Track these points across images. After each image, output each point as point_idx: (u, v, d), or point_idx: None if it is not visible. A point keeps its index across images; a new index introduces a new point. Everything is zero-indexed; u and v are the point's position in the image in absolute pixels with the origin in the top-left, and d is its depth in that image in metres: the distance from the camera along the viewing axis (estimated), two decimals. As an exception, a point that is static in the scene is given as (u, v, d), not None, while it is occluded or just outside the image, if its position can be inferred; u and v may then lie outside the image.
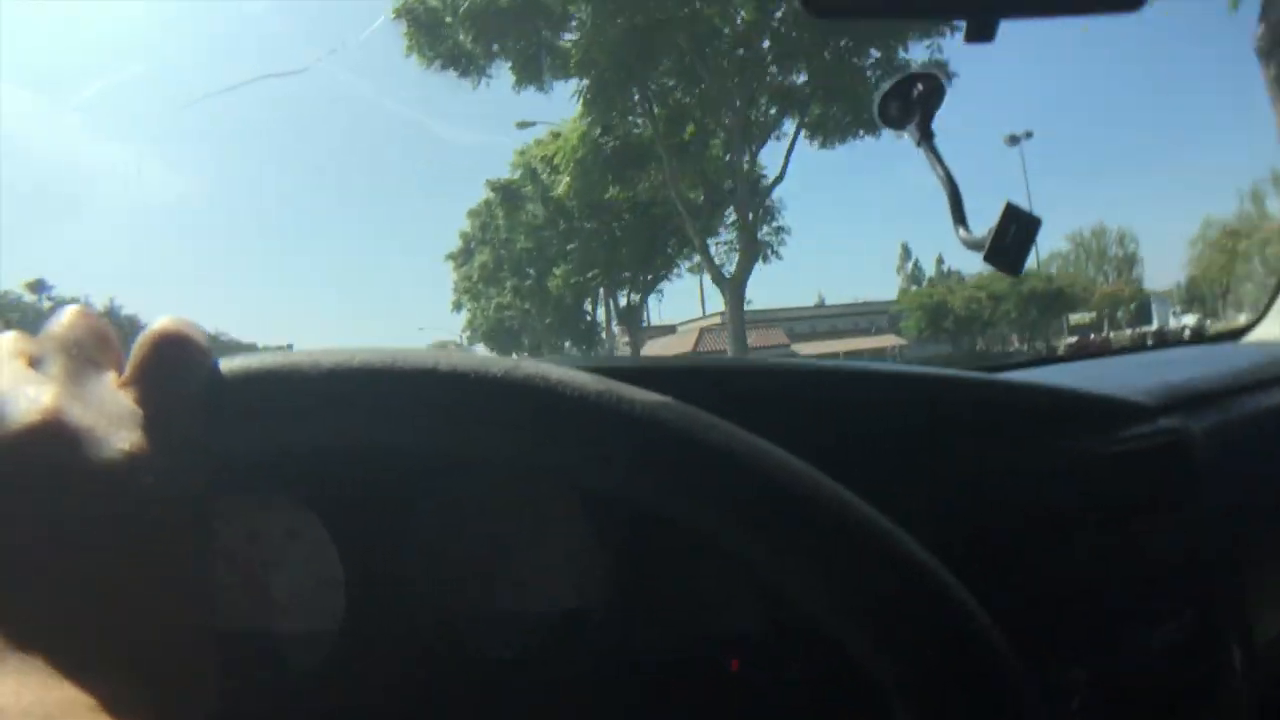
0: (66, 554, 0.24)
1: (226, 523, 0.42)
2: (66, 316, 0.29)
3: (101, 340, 0.29)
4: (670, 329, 35.56)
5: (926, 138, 0.62)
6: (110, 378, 0.28)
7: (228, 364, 0.29)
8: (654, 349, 31.97)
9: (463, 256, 30.75)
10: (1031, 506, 0.55)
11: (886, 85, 0.63)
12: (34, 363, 0.27)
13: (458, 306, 33.40)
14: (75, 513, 0.24)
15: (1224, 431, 0.72)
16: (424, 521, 0.45)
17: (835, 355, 31.04)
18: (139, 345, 0.28)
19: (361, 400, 0.30)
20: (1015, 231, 0.51)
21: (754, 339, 27.77)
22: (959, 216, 0.59)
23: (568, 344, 29.09)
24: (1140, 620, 0.58)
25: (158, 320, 0.29)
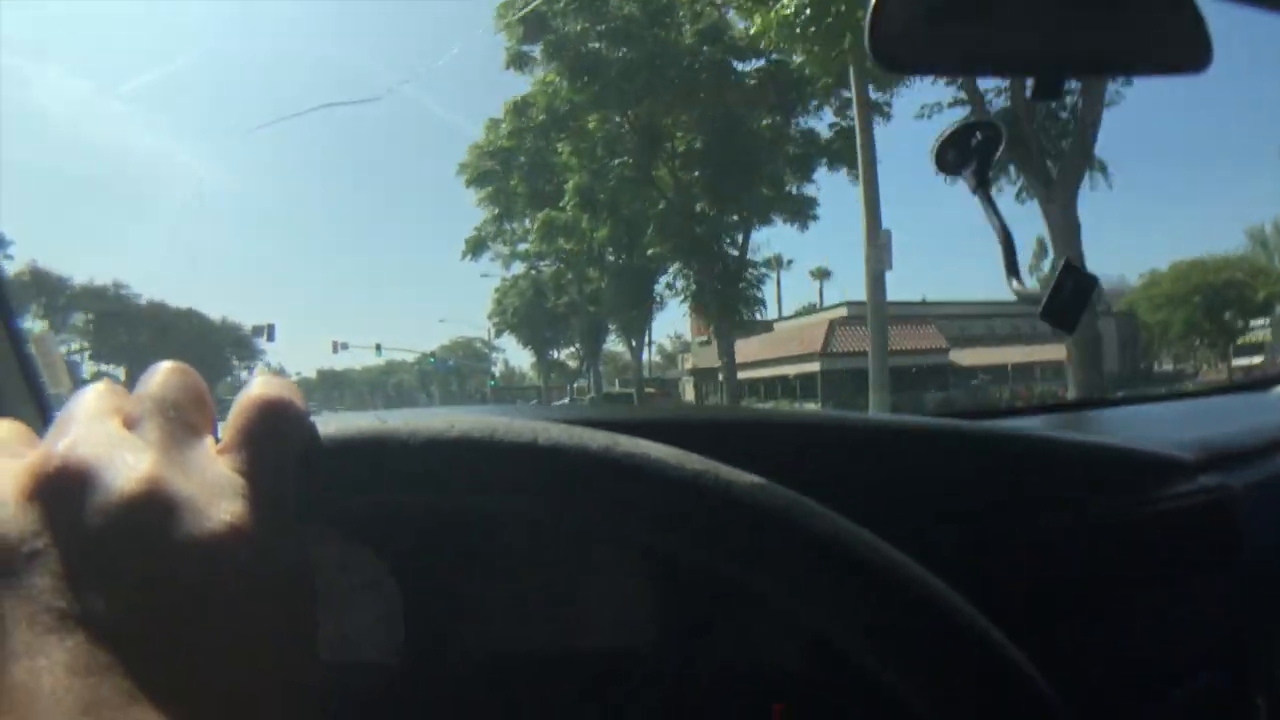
0: (165, 628, 0.23)
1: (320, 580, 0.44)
2: (161, 374, 0.28)
3: (198, 401, 0.28)
4: (764, 325, 28.87)
5: (982, 186, 0.63)
6: (209, 443, 0.27)
7: (326, 430, 0.29)
8: (750, 349, 27.21)
9: (483, 178, 23.41)
10: (1072, 564, 0.55)
11: (946, 132, 0.64)
12: (130, 423, 0.26)
13: (474, 250, 26.83)
14: (175, 586, 0.23)
15: (1264, 488, 0.72)
16: (479, 560, 0.46)
17: (1002, 368, 26.47)
18: (239, 409, 0.28)
19: (459, 473, 0.30)
20: (1071, 289, 0.51)
21: (901, 337, 23.06)
22: (1012, 268, 0.59)
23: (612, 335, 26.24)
24: (1173, 674, 0.58)
25: (256, 383, 0.28)
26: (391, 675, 0.44)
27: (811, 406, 21.90)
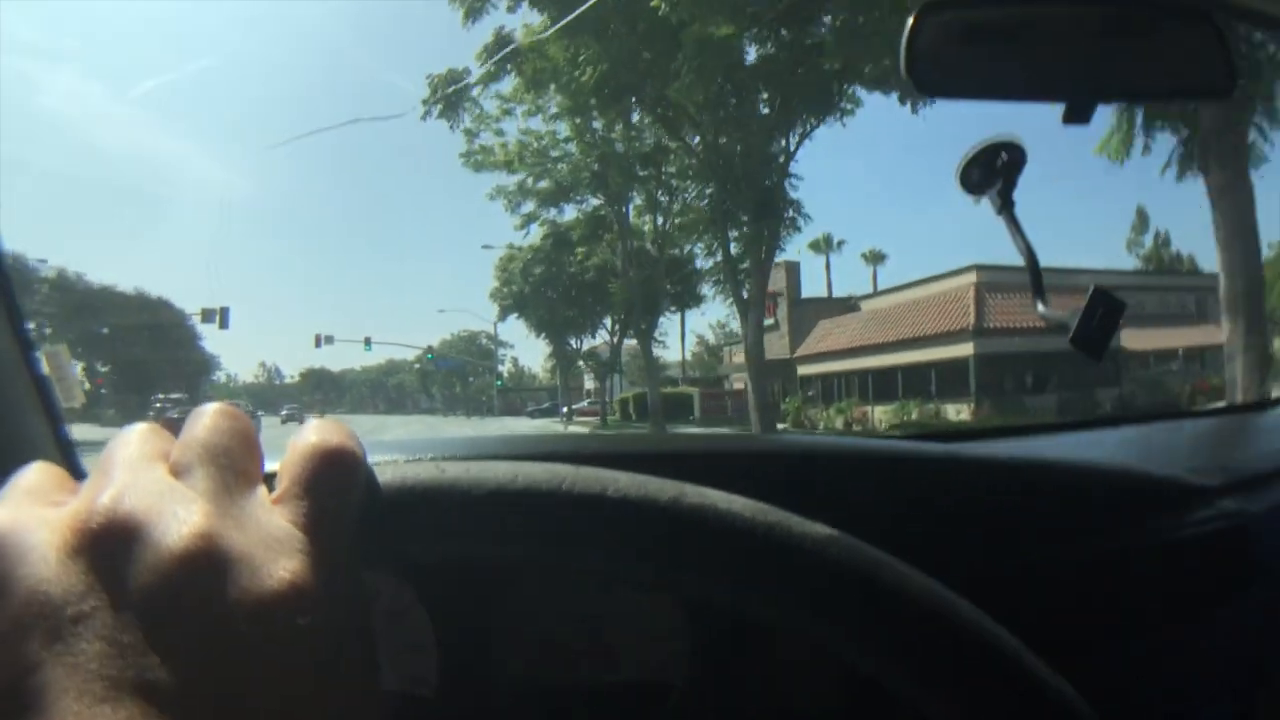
0: (224, 692, 0.21)
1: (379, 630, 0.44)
2: (210, 417, 0.26)
3: (248, 446, 0.26)
4: (848, 303, 24.87)
5: (1007, 206, 0.63)
6: (262, 493, 0.25)
7: (385, 479, 0.28)
8: (839, 334, 22.14)
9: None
10: (1092, 593, 0.55)
11: (970, 152, 0.64)
12: (177, 471, 0.25)
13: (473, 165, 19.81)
14: (233, 648, 0.22)
15: None
16: (515, 589, 0.46)
17: (1174, 354, 19.63)
18: (295, 458, 0.26)
19: (524, 526, 0.29)
20: (1101, 315, 0.51)
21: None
22: (1039, 291, 0.59)
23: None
24: (1191, 702, 0.58)
25: (311, 429, 0.27)
26: (425, 707, 0.44)
27: (959, 408, 17.66)
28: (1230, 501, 0.64)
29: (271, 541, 0.23)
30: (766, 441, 0.62)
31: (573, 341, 27.97)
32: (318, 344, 32.70)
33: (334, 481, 0.26)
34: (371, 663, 0.25)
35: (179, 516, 0.22)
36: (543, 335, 27.69)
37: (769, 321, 22.19)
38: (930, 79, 0.52)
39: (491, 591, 0.46)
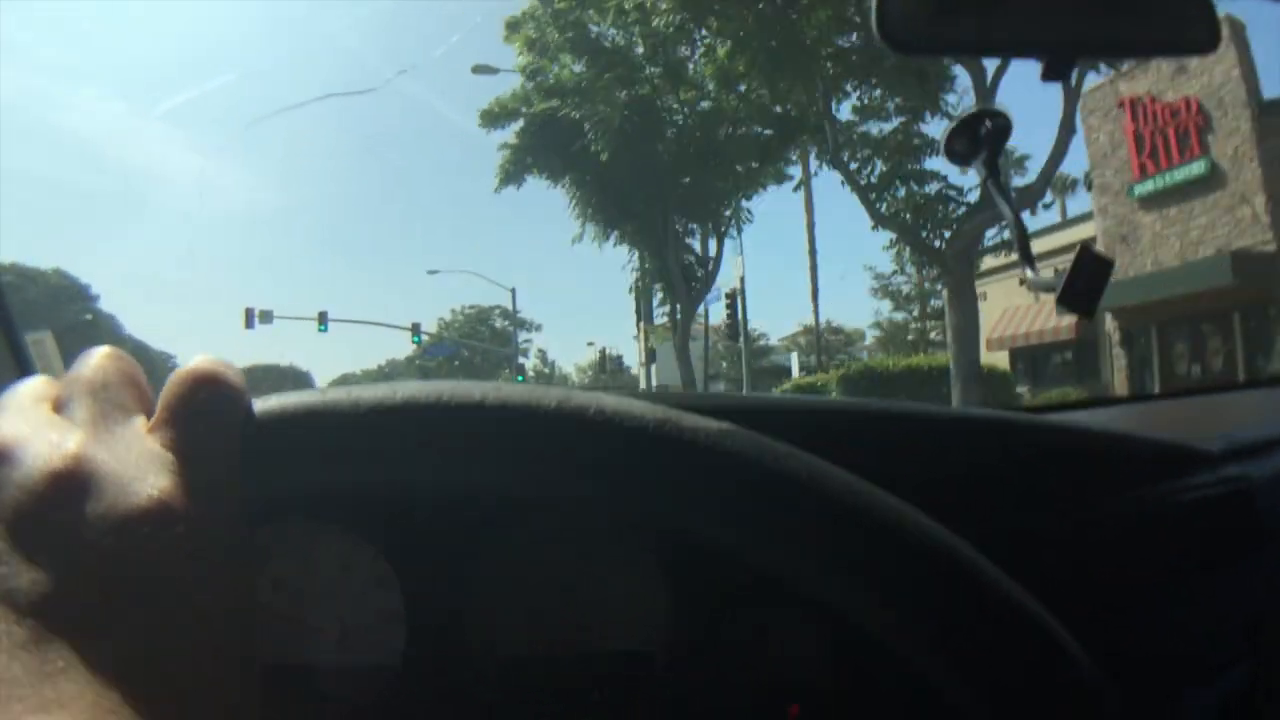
0: (87, 605, 0.22)
1: (276, 556, 0.42)
2: (95, 358, 0.28)
3: (130, 382, 0.28)
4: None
5: (993, 175, 0.62)
6: (139, 421, 0.26)
7: (263, 404, 0.28)
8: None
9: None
10: (1095, 555, 0.54)
11: (954, 121, 0.63)
12: (60, 407, 0.26)
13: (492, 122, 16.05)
14: (98, 562, 0.23)
15: None
16: (489, 557, 0.45)
17: None
18: (169, 386, 0.27)
19: (406, 440, 0.28)
20: (1088, 274, 0.50)
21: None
22: (1026, 257, 0.58)
23: None
24: (1193, 669, 0.57)
25: (192, 361, 0.28)
26: (393, 677, 0.43)
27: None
28: (1234, 467, 0.64)
29: (141, 463, 0.25)
30: (805, 401, 0.61)
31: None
32: (249, 322, 22.60)
33: (205, 405, 0.27)
34: (248, 592, 0.26)
35: (52, 441, 0.24)
36: (590, 218, 16.87)
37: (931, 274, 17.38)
38: (904, 37, 0.51)
39: (466, 559, 0.45)
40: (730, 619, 0.46)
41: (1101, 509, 0.55)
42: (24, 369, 0.57)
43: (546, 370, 43.24)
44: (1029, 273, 0.58)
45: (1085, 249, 0.51)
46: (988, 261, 19.56)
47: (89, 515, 0.23)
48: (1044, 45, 0.51)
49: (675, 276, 18.04)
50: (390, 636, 0.43)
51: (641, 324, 20.15)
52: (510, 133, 17.28)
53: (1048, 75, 0.51)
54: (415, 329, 26.28)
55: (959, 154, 0.65)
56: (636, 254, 18.93)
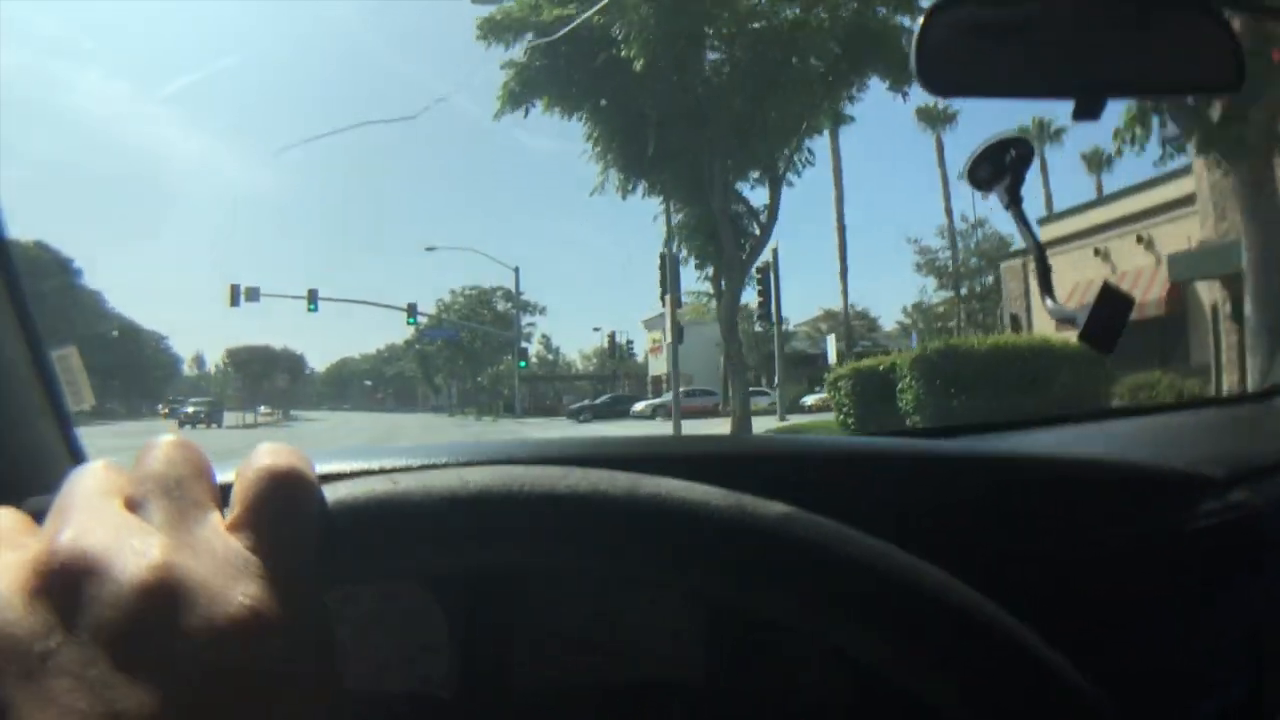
0: (191, 717, 0.22)
1: (350, 620, 0.43)
2: (163, 449, 0.27)
3: (201, 475, 0.27)
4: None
5: (1015, 203, 0.64)
6: (215, 519, 0.26)
7: (335, 495, 0.28)
8: None
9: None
10: (1099, 580, 0.55)
11: (979, 149, 0.64)
12: (133, 505, 0.25)
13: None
14: (196, 676, 0.22)
15: None
16: (529, 591, 0.47)
17: None
18: (247, 483, 0.26)
19: (482, 529, 0.29)
20: (1110, 311, 0.52)
21: None
22: (1046, 287, 0.60)
23: None
24: (1199, 688, 0.58)
25: (263, 452, 0.27)
26: (441, 707, 0.45)
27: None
28: (1239, 492, 0.65)
29: (229, 568, 0.24)
30: (760, 442, 0.63)
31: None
32: (234, 299, 22.86)
33: (287, 504, 0.26)
34: (334, 680, 0.26)
35: (136, 549, 0.23)
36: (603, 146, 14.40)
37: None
38: (940, 79, 0.52)
39: (506, 591, 0.46)
40: (764, 651, 0.48)
41: (1104, 537, 0.56)
42: (48, 386, 0.58)
43: (550, 357, 41.15)
44: (1049, 302, 0.59)
45: (1108, 286, 0.52)
46: (1050, 231, 17.32)
47: (185, 629, 0.22)
48: (1075, 87, 0.53)
49: (724, 230, 14.30)
50: (437, 667, 0.45)
51: (668, 296, 16.21)
52: (519, 50, 13.84)
53: (1079, 115, 0.52)
54: (411, 310, 25.68)
55: (982, 181, 0.66)
56: (668, 210, 15.29)
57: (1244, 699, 0.61)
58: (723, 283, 15.03)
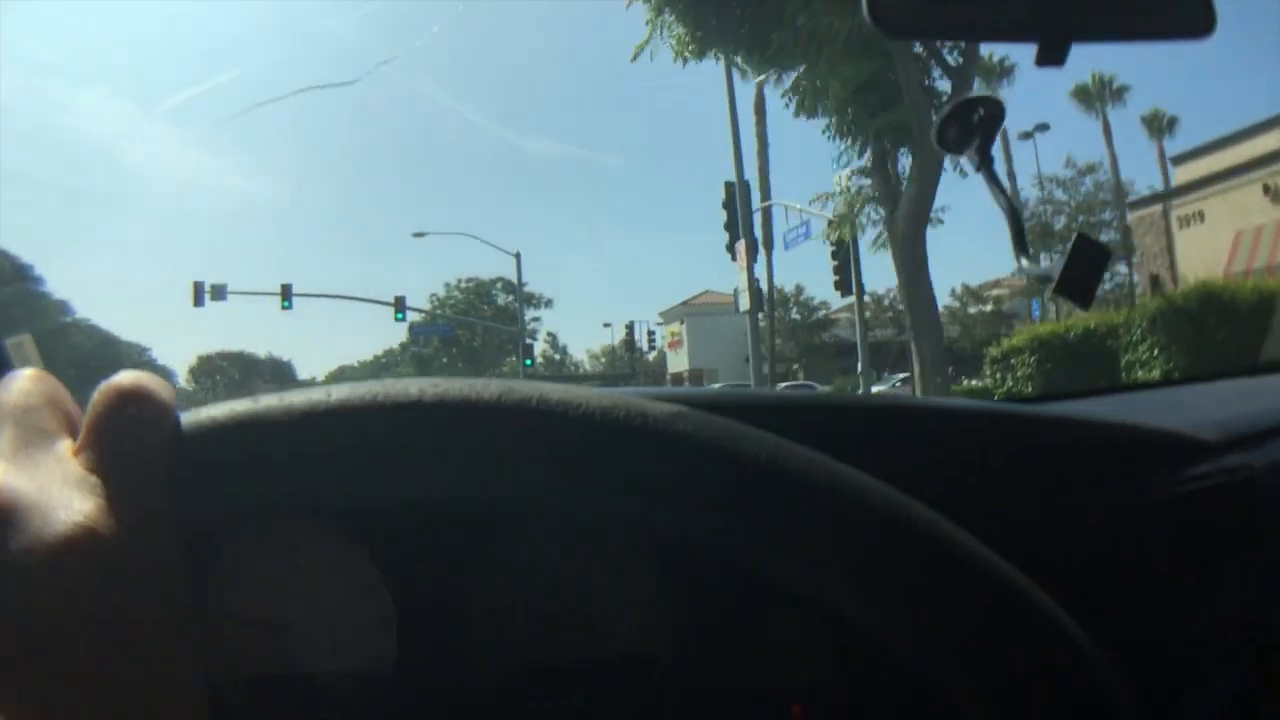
0: (17, 637, 0.22)
1: (264, 558, 0.41)
2: (19, 382, 0.27)
3: (54, 404, 0.27)
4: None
5: (986, 163, 0.61)
6: (64, 445, 0.26)
7: (193, 417, 0.27)
8: None
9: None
10: (1097, 546, 0.54)
11: (946, 108, 0.62)
12: None
13: None
14: (31, 593, 0.22)
15: None
16: (489, 561, 0.44)
17: None
18: (92, 407, 0.26)
19: (346, 445, 0.27)
20: (1086, 263, 0.49)
21: None
22: (1021, 245, 0.57)
23: None
24: (1201, 661, 0.56)
25: (115, 377, 0.27)
26: (386, 684, 0.42)
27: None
28: (1235, 456, 0.63)
29: (65, 488, 0.24)
30: (812, 396, 0.61)
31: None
32: (198, 298, 19.97)
33: (128, 422, 0.26)
34: (187, 611, 0.25)
35: None
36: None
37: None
38: (894, 19, 0.50)
39: (465, 562, 0.44)
40: (733, 620, 0.46)
41: (1098, 500, 0.55)
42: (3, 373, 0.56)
43: (557, 356, 37.73)
44: (1023, 261, 0.57)
45: (1081, 237, 0.50)
46: (1197, 167, 13.64)
47: (12, 548, 0.22)
48: (1037, 29, 0.50)
49: (912, 92, 8.79)
50: (381, 642, 0.42)
51: (740, 243, 11.46)
52: None
53: (1042, 60, 0.50)
54: (399, 304, 21.04)
55: (951, 142, 0.64)
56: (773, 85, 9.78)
57: (1242, 676, 0.59)
58: (903, 176, 9.08)
